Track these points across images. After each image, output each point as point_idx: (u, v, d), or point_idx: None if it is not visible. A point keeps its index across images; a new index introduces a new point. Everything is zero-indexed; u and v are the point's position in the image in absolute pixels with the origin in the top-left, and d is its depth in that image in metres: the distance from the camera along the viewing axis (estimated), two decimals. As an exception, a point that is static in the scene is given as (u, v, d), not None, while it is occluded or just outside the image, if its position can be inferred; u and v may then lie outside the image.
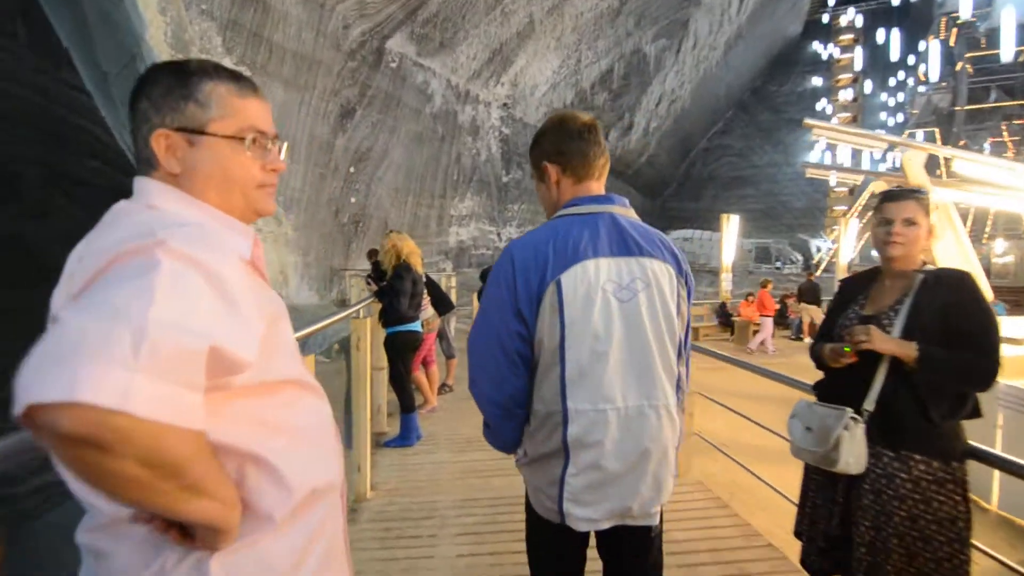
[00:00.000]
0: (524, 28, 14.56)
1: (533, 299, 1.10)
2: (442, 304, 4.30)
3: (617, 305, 1.11)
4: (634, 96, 23.74)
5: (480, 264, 15.66)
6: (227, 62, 7.97)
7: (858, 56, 34.15)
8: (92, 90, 10.07)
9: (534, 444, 1.15)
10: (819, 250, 35.13)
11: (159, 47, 6.99)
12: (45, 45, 10.21)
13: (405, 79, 11.88)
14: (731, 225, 10.65)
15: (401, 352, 3.49)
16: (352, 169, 10.68)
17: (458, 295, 8.67)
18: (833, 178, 35.67)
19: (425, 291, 3.91)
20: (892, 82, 33.80)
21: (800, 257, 34.82)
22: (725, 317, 10.28)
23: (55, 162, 12.28)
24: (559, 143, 1.20)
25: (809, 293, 9.99)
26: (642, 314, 1.12)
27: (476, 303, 6.57)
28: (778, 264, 33.52)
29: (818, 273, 30.70)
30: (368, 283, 4.11)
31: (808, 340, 9.46)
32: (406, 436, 3.54)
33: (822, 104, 37.28)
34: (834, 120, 35.76)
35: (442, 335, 4.53)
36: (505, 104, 16.38)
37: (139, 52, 7.92)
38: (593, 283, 1.10)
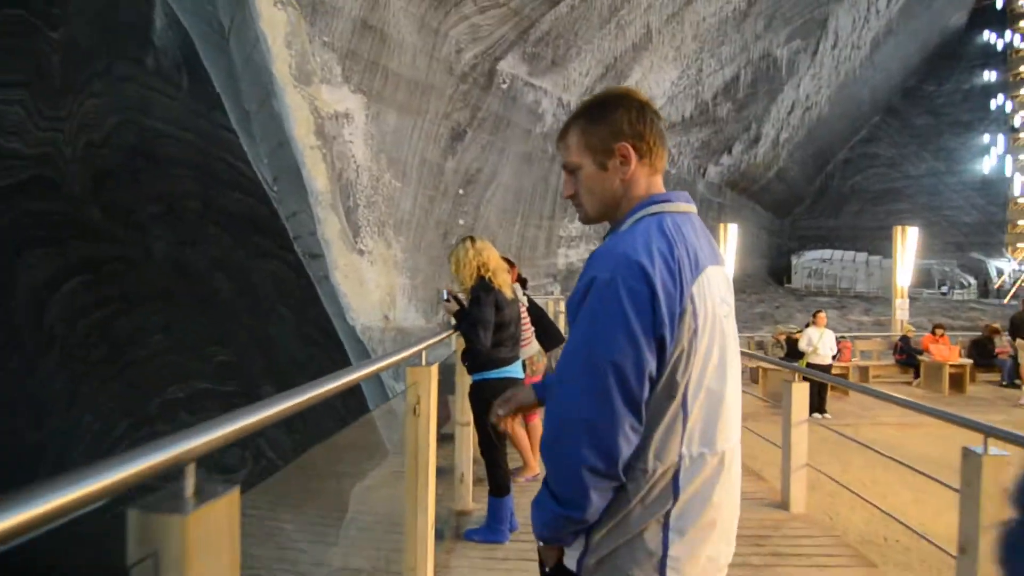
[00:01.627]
0: (640, 40, 13.83)
1: (675, 322, 0.89)
2: (549, 337, 3.54)
3: (723, 325, 0.94)
4: (762, 105, 21.75)
5: (591, 287, 14.82)
6: (345, 90, 8.20)
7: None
8: (237, 128, 11.00)
9: (623, 526, 0.91)
10: (1001, 273, 29.52)
11: (284, 79, 7.31)
12: (202, 92, 11.36)
13: (515, 99, 11.69)
14: (908, 239, 8.69)
15: (488, 408, 2.62)
16: (461, 191, 10.59)
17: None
18: (1019, 186, 29.99)
19: (526, 320, 3.20)
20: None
21: (972, 280, 29.57)
22: (908, 355, 8.29)
23: (208, 195, 13.60)
24: (637, 122, 1.00)
25: (1028, 326, 7.72)
26: (734, 335, 0.99)
27: None
28: (943, 289, 28.71)
29: (1007, 299, 25.61)
30: (447, 300, 2.75)
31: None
32: (495, 528, 2.66)
33: (997, 101, 31.70)
34: (1017, 119, 30.23)
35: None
36: (619, 120, 15.67)
37: (272, 88, 8.44)
38: (715, 298, 0.93)
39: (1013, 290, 27.33)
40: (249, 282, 14.52)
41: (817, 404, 5.97)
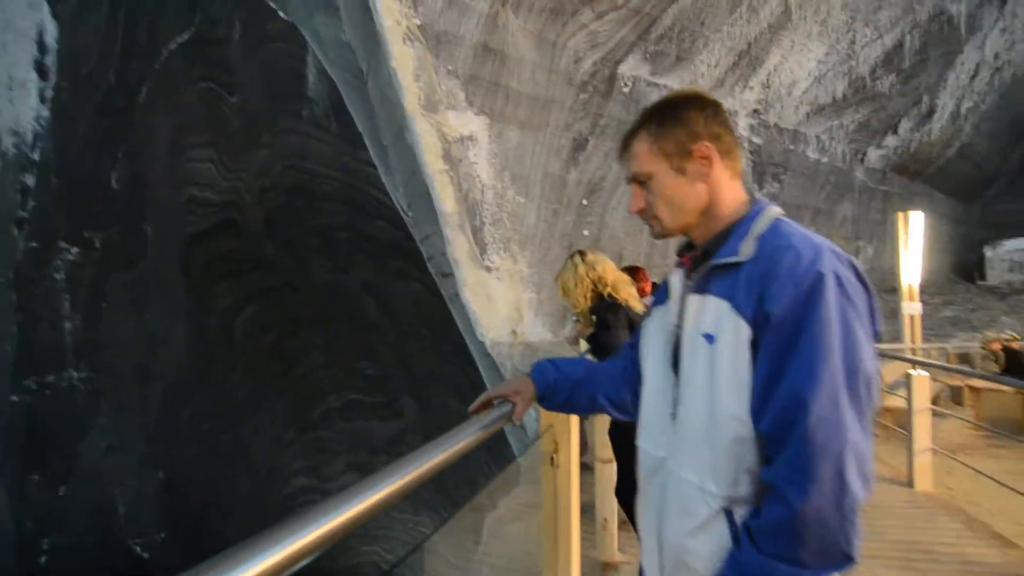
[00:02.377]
0: (777, 19, 12.55)
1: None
2: None
3: None
4: (935, 73, 18.56)
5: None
6: (469, 114, 8.46)
7: None
8: (376, 162, 11.98)
9: None
10: None
11: (413, 110, 7.73)
12: (348, 134, 12.56)
13: (639, 101, 11.22)
14: None
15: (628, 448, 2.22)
16: (584, 202, 10.36)
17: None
18: None
19: None
20: None
21: None
22: None
23: (355, 226, 14.96)
24: (713, 122, 0.96)
25: None
26: None
27: None
28: None
29: None
30: (577, 320, 2.42)
31: None
32: None
33: None
34: None
35: None
36: (755, 111, 14.35)
37: (404, 121, 9.01)
38: None
39: None
40: (392, 303, 15.71)
41: None
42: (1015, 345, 4.94)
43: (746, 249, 0.88)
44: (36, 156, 18.65)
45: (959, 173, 26.58)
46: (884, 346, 6.70)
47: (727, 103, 13.51)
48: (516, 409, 1.11)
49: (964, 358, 6.29)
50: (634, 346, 1.14)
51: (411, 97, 7.93)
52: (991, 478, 2.73)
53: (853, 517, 0.77)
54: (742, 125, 14.28)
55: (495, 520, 2.53)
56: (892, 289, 16.38)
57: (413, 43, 7.95)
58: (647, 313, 1.10)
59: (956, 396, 5.97)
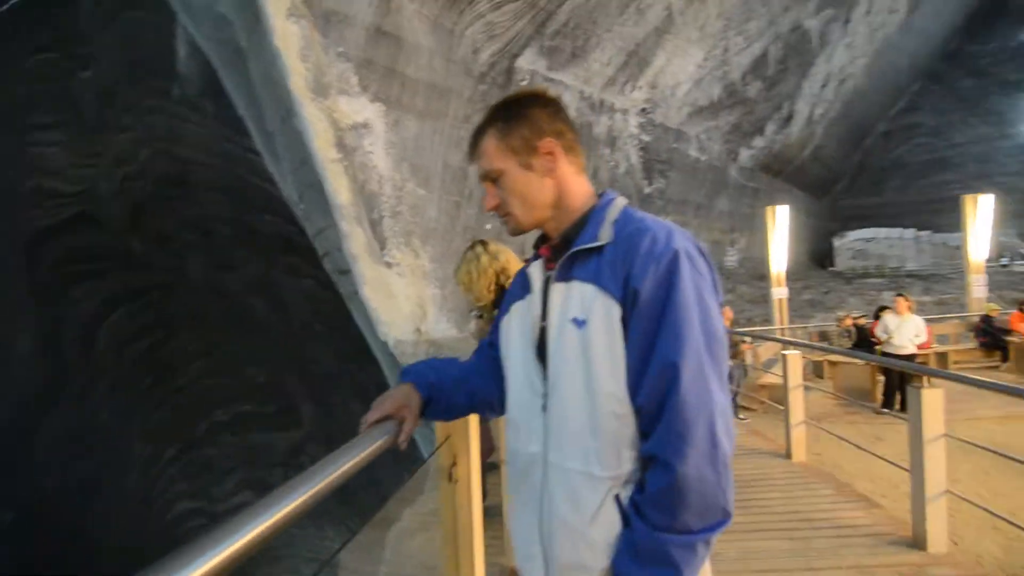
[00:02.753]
0: (662, 23, 13.30)
1: None
2: None
3: None
4: (794, 81, 20.80)
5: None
6: (363, 100, 8.03)
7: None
8: (262, 149, 11.02)
9: None
10: (1071, 240, 27.51)
11: (301, 94, 7.17)
12: (227, 116, 11.43)
13: (536, 96, 11.36)
14: (982, 208, 7.86)
15: None
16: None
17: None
18: (1084, 145, 27.97)
19: None
20: None
21: (1035, 250, 27.73)
22: (992, 336, 7.46)
23: (239, 218, 13.74)
24: (555, 119, 0.99)
25: None
26: None
27: None
28: (1003, 261, 27.00)
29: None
30: (479, 316, 2.35)
31: None
32: None
33: (1051, 56, 29.63)
34: (1075, 72, 28.22)
35: None
36: (644, 109, 15.13)
37: (291, 105, 8.34)
38: None
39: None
40: (283, 302, 14.60)
41: (900, 399, 5.31)
42: (862, 322, 5.78)
43: (605, 234, 0.91)
44: None
45: (813, 172, 30.18)
46: (758, 328, 7.36)
47: (617, 102, 14.14)
48: (405, 428, 0.99)
49: (823, 335, 7.15)
50: (493, 344, 1.09)
51: (298, 79, 7.35)
52: (850, 443, 3.07)
53: (727, 472, 0.81)
54: (633, 123, 15.04)
55: (399, 533, 2.39)
56: (762, 276, 18.19)
57: (298, 20, 7.36)
58: (504, 309, 1.06)
59: (817, 370, 6.80)
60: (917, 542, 2.32)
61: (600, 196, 1.00)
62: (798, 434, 3.17)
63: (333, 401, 13.92)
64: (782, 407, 3.43)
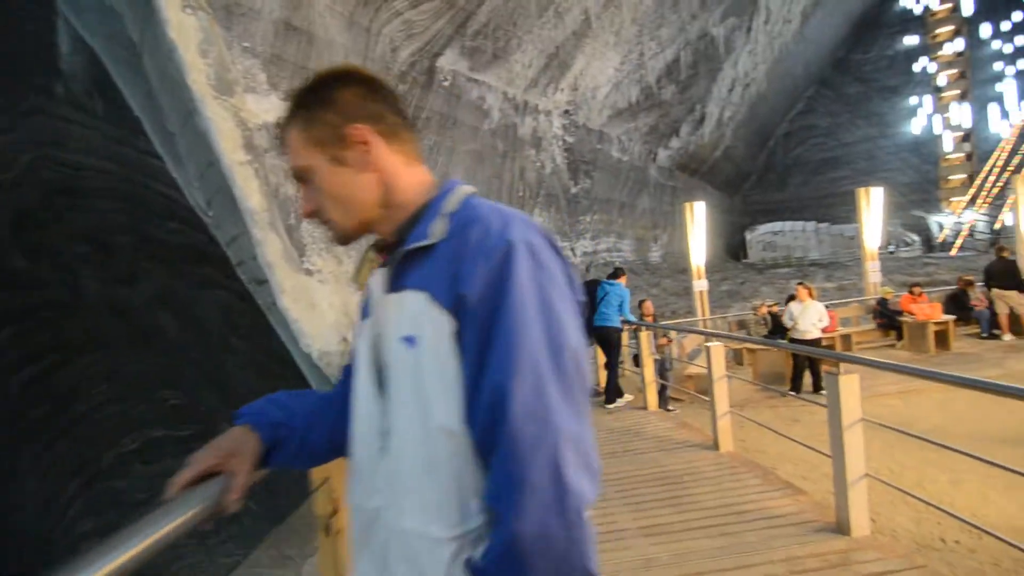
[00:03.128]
0: (580, 27, 13.59)
1: None
2: None
3: None
4: (704, 85, 21.99)
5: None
6: (273, 98, 7.57)
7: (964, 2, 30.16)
8: (163, 153, 10.18)
9: None
10: (942, 227, 30.91)
11: (203, 91, 6.64)
12: (120, 117, 10.50)
13: (460, 97, 11.24)
14: (873, 200, 8.57)
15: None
16: (412, 196, 10.10)
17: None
18: (949, 143, 31.52)
19: None
20: (1007, 26, 29.50)
21: (916, 238, 30.95)
22: (888, 318, 8.01)
23: (139, 228, 12.69)
24: (369, 100, 0.79)
25: (1004, 275, 7.55)
26: None
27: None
28: (890, 248, 29.90)
29: (953, 252, 26.79)
30: None
31: (1008, 337, 7.36)
32: None
33: (921, 64, 33.19)
34: (941, 79, 31.71)
35: None
36: (567, 111, 15.42)
37: (192, 104, 7.72)
38: None
39: (959, 242, 28.60)
40: (195, 316, 13.58)
41: (813, 382, 5.71)
42: (775, 309, 6.17)
43: (437, 229, 0.74)
44: None
45: (725, 170, 32.13)
46: (682, 320, 7.66)
47: (541, 103, 14.32)
48: (234, 485, 0.77)
49: (741, 324, 7.54)
50: (350, 372, 0.89)
51: (198, 76, 6.80)
52: (771, 429, 3.20)
53: (582, 524, 0.63)
54: (556, 124, 15.30)
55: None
56: (683, 270, 19.05)
57: (196, 12, 6.81)
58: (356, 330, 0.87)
59: (737, 358, 7.19)
60: (841, 527, 2.38)
61: (441, 186, 0.83)
62: (724, 424, 3.30)
63: (256, 420, 13.14)
64: (708, 397, 3.52)
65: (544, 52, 13.17)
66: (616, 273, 4.69)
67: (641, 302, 5.80)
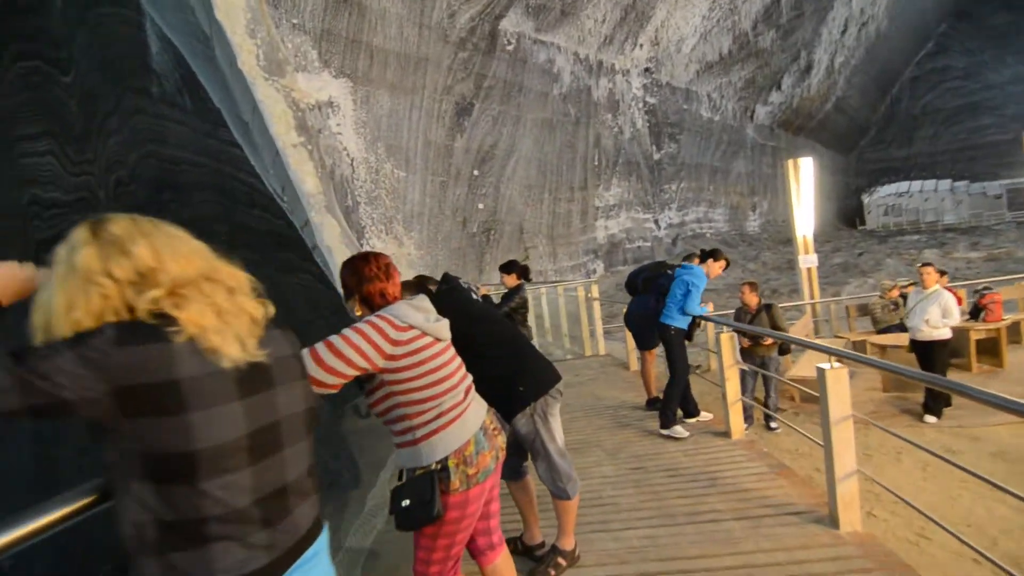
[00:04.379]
0: (660, -29, 12.17)
1: None
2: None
3: None
4: (810, 28, 19.28)
5: (637, 260, 13.43)
6: (325, 76, 7.25)
7: None
8: (241, 142, 10.40)
9: None
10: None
11: (252, 72, 6.43)
12: (205, 110, 10.85)
13: (526, 61, 10.41)
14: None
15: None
16: (476, 172, 9.49)
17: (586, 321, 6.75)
18: None
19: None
20: None
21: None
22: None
23: (231, 216, 13.28)
24: None
25: None
26: None
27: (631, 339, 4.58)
28: (1051, 207, 25.17)
29: None
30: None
31: None
32: None
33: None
34: None
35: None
36: (647, 69, 14.04)
37: (247, 88, 7.63)
38: None
39: None
40: (283, 299, 14.18)
41: (924, 401, 4.04)
42: (912, 290, 4.62)
43: None
44: None
45: (836, 126, 28.45)
46: (787, 304, 6.46)
47: (617, 62, 13.07)
48: None
49: (863, 309, 6.10)
50: None
51: (248, 57, 6.62)
52: (927, 450, 2.16)
53: None
54: (636, 84, 13.96)
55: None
56: (786, 240, 16.98)
57: (240, -10, 6.61)
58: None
59: (859, 351, 5.62)
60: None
61: None
62: (847, 491, 2.16)
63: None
64: (817, 406, 2.62)
65: (619, 4, 11.92)
66: (691, 256, 3.53)
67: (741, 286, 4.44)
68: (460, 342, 1.50)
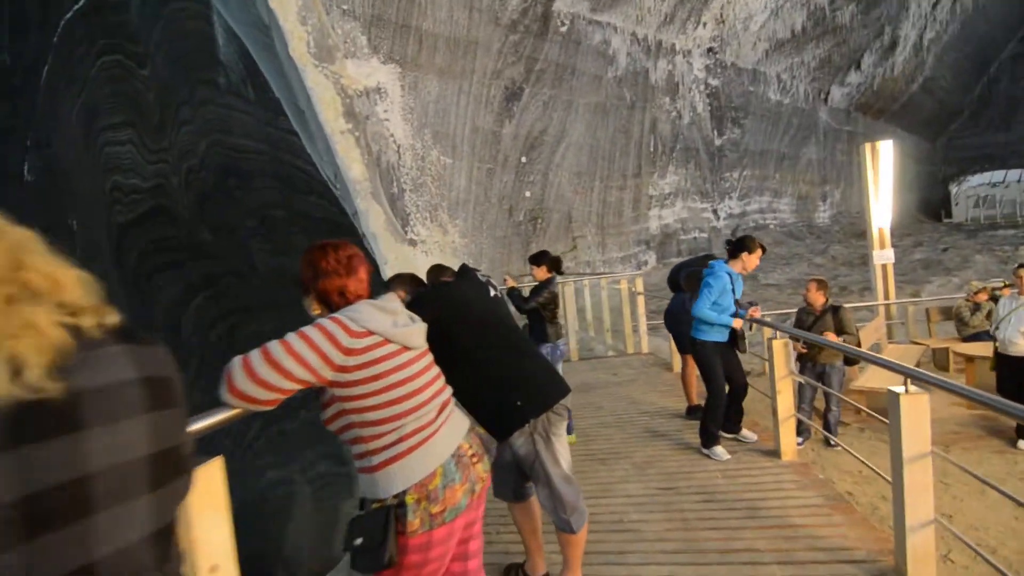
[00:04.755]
0: (727, -58, 11.40)
1: None
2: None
3: None
4: (896, 1, 17.64)
5: (692, 252, 12.79)
6: (374, 62, 7.23)
7: None
8: (297, 129, 10.68)
9: None
10: None
11: (303, 60, 6.49)
12: (266, 99, 11.21)
13: (579, 43, 10.04)
14: None
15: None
16: (524, 159, 9.28)
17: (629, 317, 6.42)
18: None
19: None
20: None
21: None
22: None
23: (289, 203, 13.76)
24: None
25: None
26: None
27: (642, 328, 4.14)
28: None
29: None
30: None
31: None
32: None
33: None
34: None
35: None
36: (710, 49, 13.27)
37: (298, 76, 7.73)
38: None
39: None
40: (335, 284, 14.73)
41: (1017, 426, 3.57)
42: (1007, 292, 3.97)
43: None
44: (-66, 150, 16.79)
45: (923, 109, 26.06)
46: (858, 304, 5.87)
47: (678, 42, 12.40)
48: None
49: (946, 313, 5.40)
50: None
51: (299, 44, 6.68)
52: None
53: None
54: (697, 66, 13.22)
55: None
56: (861, 234, 15.80)
57: (291, -24, 6.65)
58: None
59: (941, 360, 4.98)
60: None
61: None
62: (921, 543, 1.75)
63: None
64: (885, 421, 2.25)
65: (682, -20, 11.29)
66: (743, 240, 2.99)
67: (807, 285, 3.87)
68: (442, 342, 1.32)
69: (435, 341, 1.38)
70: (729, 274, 2.95)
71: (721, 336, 2.98)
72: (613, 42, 10.80)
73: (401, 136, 7.39)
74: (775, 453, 2.83)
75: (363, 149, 6.92)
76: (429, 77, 7.82)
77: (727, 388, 3.05)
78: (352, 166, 6.83)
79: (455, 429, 1.20)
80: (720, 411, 3.01)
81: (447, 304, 1.56)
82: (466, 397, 1.50)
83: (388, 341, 1.08)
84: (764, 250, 3.07)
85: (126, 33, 13.93)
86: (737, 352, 3.08)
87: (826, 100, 19.21)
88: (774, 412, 2.85)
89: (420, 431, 1.11)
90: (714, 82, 13.78)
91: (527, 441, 1.64)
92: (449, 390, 1.26)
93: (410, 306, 1.49)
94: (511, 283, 3.76)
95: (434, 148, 7.77)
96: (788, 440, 2.77)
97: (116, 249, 15.18)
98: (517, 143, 9.13)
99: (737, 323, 2.99)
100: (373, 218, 7.04)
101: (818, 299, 3.66)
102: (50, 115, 15.43)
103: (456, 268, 2.58)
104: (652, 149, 12.23)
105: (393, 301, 1.16)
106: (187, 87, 13.28)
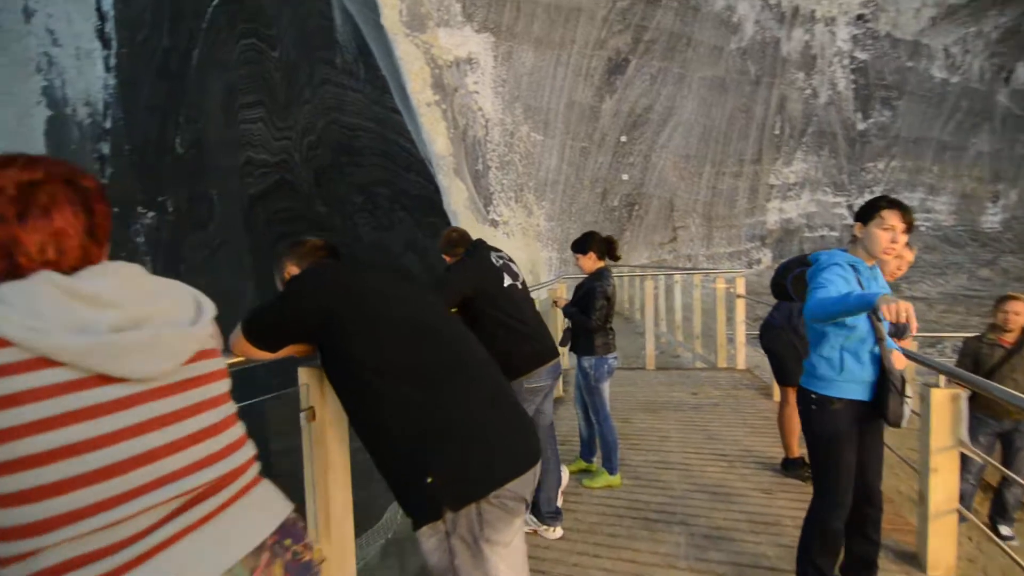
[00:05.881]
0: None
1: None
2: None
3: None
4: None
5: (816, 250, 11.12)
6: (467, 30, 6.88)
7: None
8: (401, 108, 10.81)
9: None
10: None
11: (394, 29, 6.30)
12: (375, 78, 11.49)
13: (699, 9, 8.97)
14: None
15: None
16: (624, 138, 8.49)
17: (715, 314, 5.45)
18: None
19: None
20: None
21: None
22: None
23: (393, 181, 14.22)
24: None
25: None
26: None
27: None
28: None
29: None
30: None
31: None
32: None
33: None
34: None
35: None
36: (860, 16, 11.39)
37: (389, 45, 7.60)
38: None
39: None
40: (429, 262, 14.99)
41: None
42: None
43: None
44: (108, 124, 19.50)
45: None
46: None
47: (819, 8, 10.70)
48: None
49: None
50: None
51: (391, 13, 6.50)
52: None
53: None
54: (842, 36, 11.34)
55: None
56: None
57: (386, -60, 6.45)
58: None
59: None
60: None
61: None
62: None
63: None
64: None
65: (830, -67, 9.67)
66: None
67: (1000, 301, 2.85)
68: (342, 359, 0.84)
69: (325, 347, 0.96)
70: (853, 265, 1.60)
71: (858, 390, 1.59)
72: (739, 8, 9.54)
73: (490, 110, 7.00)
74: (915, 560, 1.93)
75: (449, 123, 6.62)
76: (524, 47, 7.31)
77: (850, 496, 1.64)
78: (436, 140, 6.56)
79: (233, 534, 0.62)
80: (829, 539, 1.64)
81: (339, 293, 0.95)
82: (369, 446, 0.93)
83: (57, 363, 0.48)
84: (911, 226, 1.62)
85: (261, 18, 15.12)
86: (885, 424, 1.61)
87: (1007, 80, 15.90)
88: (921, 499, 1.94)
89: (127, 544, 0.56)
90: (862, 55, 11.78)
91: (439, 544, 0.97)
92: (244, 454, 0.70)
93: (290, 285, 1.02)
94: (560, 301, 3.06)
95: (525, 124, 7.29)
96: (942, 546, 1.80)
97: (246, 218, 16.80)
98: (617, 120, 8.35)
99: (899, 360, 1.58)
100: (455, 195, 6.75)
101: (1018, 323, 2.62)
102: (198, 94, 17.20)
103: (454, 233, 1.98)
104: (777, 132, 10.71)
105: (98, 279, 0.54)
106: (309, 67, 14.12)
